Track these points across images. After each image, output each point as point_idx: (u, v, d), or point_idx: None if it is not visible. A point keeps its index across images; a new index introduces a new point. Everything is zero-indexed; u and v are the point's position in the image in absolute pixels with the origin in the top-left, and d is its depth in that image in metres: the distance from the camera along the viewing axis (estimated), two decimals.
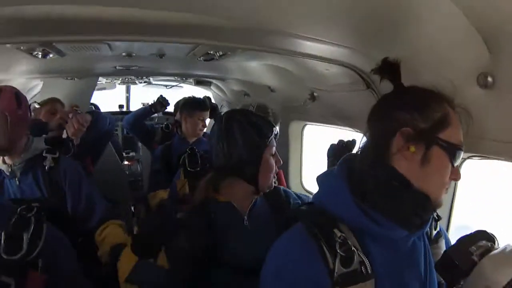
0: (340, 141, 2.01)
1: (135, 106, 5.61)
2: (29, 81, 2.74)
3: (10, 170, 1.84)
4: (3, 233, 1.12)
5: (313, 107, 2.26)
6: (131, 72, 2.84)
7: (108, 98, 5.51)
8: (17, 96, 1.75)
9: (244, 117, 1.55)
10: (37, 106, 2.55)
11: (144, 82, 4.59)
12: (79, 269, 1.36)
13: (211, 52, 1.78)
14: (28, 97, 2.92)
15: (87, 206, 1.95)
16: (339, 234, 0.94)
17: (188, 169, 2.16)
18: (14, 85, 2.43)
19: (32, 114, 2.44)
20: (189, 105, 2.97)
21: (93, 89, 3.36)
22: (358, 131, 1.94)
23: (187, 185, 2.08)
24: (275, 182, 2.18)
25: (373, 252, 0.95)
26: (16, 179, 1.87)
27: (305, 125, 2.81)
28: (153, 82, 4.71)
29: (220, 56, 1.78)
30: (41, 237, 1.17)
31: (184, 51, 1.89)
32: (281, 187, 1.80)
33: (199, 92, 4.79)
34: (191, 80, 3.70)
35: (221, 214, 1.52)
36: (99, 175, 2.77)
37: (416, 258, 1.03)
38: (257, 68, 2.56)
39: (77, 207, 1.93)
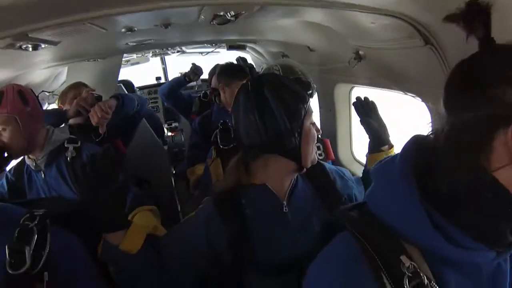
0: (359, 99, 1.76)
1: (173, 77, 5.52)
2: (55, 68, 2.65)
3: (34, 164, 1.86)
4: (7, 247, 1.05)
5: (360, 67, 1.92)
6: (147, 46, 2.66)
7: (145, 72, 5.46)
8: (21, 94, 1.70)
9: (277, 81, 1.29)
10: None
11: (177, 52, 4.41)
12: (96, 271, 1.26)
13: (221, 14, 1.50)
14: (57, 83, 2.90)
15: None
16: (408, 263, 0.69)
17: (220, 146, 1.96)
18: (38, 75, 2.41)
19: (57, 103, 2.42)
20: (225, 73, 2.71)
21: (119, 68, 3.30)
22: (415, 96, 1.59)
23: (220, 165, 1.90)
24: (320, 155, 1.91)
25: (450, 281, 0.71)
26: (42, 172, 1.88)
27: (353, 87, 2.45)
28: (187, 51, 4.50)
29: (234, 16, 1.49)
30: (45, 248, 1.09)
31: (191, 18, 1.64)
32: (325, 163, 1.53)
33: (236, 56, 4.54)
34: (223, 45, 3.43)
35: (254, 200, 1.29)
36: (135, 155, 2.71)
37: (501, 285, 0.76)
38: (293, 27, 2.23)
39: None
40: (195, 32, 2.47)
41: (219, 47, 3.65)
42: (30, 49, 1.57)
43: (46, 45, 1.64)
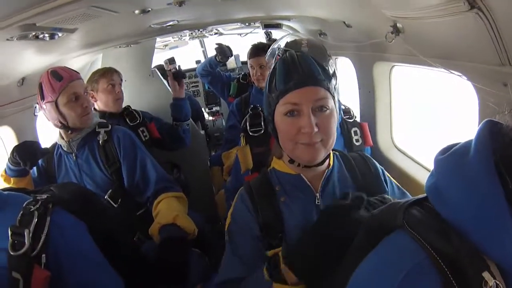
0: None
1: None
2: (90, 56, 2.68)
3: (67, 145, 1.94)
4: (9, 229, 1.11)
5: (399, 43, 1.68)
6: (174, 28, 2.58)
7: (185, 55, 5.45)
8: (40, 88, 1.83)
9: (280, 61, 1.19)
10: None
11: (214, 34, 4.30)
12: (99, 256, 1.29)
13: None
14: (95, 68, 2.96)
15: (142, 174, 1.95)
16: (492, 282, 0.56)
17: (250, 133, 1.85)
18: (74, 62, 2.46)
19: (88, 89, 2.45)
20: (248, 53, 2.77)
21: (152, 52, 3.29)
22: (461, 75, 1.34)
23: (249, 153, 1.79)
24: (357, 140, 1.77)
25: None
26: (73, 154, 1.95)
27: (393, 66, 2.20)
28: (225, 32, 4.38)
29: None
30: (43, 231, 1.13)
31: None
32: (363, 154, 1.38)
33: (276, 36, 4.35)
34: (258, 24, 3.26)
35: (288, 189, 1.23)
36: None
37: None
38: (328, 1, 2.03)
39: (133, 176, 1.95)
40: (222, 11, 2.34)
41: (254, 26, 3.49)
42: (47, 38, 1.58)
43: (64, 33, 1.62)
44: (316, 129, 1.08)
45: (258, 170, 1.60)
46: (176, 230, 1.72)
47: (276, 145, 1.26)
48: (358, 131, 1.92)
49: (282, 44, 1.79)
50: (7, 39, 1.41)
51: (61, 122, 1.85)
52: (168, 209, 1.81)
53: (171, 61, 2.58)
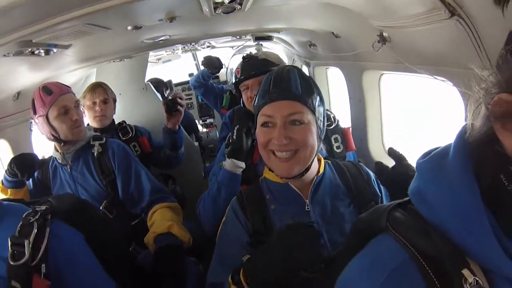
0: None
1: None
2: (84, 70, 2.71)
3: (62, 157, 1.95)
4: (9, 239, 1.13)
5: (386, 51, 1.73)
6: (166, 43, 2.61)
7: (178, 69, 5.50)
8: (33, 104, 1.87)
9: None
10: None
11: (207, 47, 4.36)
12: (97, 267, 1.31)
13: (221, 1, 1.40)
14: (89, 82, 2.98)
15: (136, 185, 1.97)
16: (471, 279, 0.57)
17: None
18: (68, 78, 2.49)
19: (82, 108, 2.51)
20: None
21: (145, 66, 3.32)
22: (446, 80, 1.39)
23: None
24: (338, 147, 1.81)
25: None
26: (68, 166, 1.97)
27: (382, 75, 2.24)
28: (217, 46, 4.44)
29: (238, 3, 1.38)
30: (43, 242, 1.15)
31: (193, 9, 1.58)
32: (355, 162, 1.43)
33: (268, 46, 4.41)
34: (249, 37, 3.32)
35: (278, 197, 1.29)
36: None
37: None
38: (316, 12, 2.08)
39: (127, 187, 1.97)
40: (213, 25, 2.38)
41: (245, 39, 3.54)
42: (43, 54, 1.62)
43: (59, 49, 1.65)
44: (285, 141, 1.14)
45: (246, 183, 1.67)
46: (171, 239, 1.73)
47: None
48: (339, 138, 1.92)
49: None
50: (4, 55, 1.43)
51: (53, 135, 1.87)
52: (163, 219, 1.83)
53: (166, 85, 2.61)
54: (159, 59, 4.60)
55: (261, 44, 3.69)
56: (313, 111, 1.18)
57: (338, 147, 1.80)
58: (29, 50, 1.47)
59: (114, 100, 2.65)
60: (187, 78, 5.25)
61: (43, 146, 2.42)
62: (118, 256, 1.47)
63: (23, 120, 2.32)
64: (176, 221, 1.84)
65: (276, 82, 1.19)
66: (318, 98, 1.21)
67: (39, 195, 1.95)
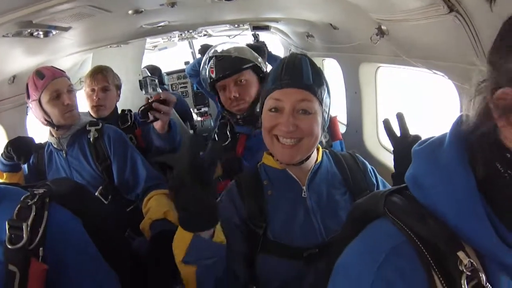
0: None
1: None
2: (80, 55, 2.68)
3: (57, 142, 1.92)
4: (6, 223, 1.10)
5: (384, 44, 1.76)
6: (165, 29, 2.60)
7: (174, 57, 5.46)
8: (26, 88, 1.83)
9: None
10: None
11: (203, 35, 4.33)
12: (96, 251, 1.28)
13: None
14: (83, 70, 2.96)
15: (132, 171, 1.95)
16: (466, 260, 0.59)
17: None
18: (64, 62, 2.44)
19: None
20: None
21: (142, 52, 3.30)
22: (443, 74, 1.42)
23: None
24: (324, 136, 1.83)
25: None
26: (63, 151, 1.94)
27: (379, 67, 2.27)
28: (213, 34, 4.42)
29: None
30: (41, 225, 1.13)
31: None
32: (352, 153, 1.45)
33: (266, 37, 4.41)
34: (247, 26, 3.31)
35: (275, 183, 1.29)
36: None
37: None
38: (315, 2, 2.09)
39: (123, 173, 1.94)
40: (212, 13, 2.38)
41: (243, 28, 3.53)
42: (42, 35, 1.60)
43: (58, 31, 1.64)
44: (292, 129, 1.14)
45: (229, 177, 1.68)
46: (167, 225, 1.73)
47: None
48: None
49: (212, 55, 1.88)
50: (3, 36, 1.42)
51: (46, 120, 1.85)
52: (159, 205, 1.82)
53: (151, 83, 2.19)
54: (155, 46, 4.56)
55: (258, 34, 3.67)
56: (321, 102, 1.20)
57: (324, 136, 1.83)
58: (28, 31, 1.46)
59: (118, 87, 2.49)
60: (183, 66, 5.23)
61: (39, 131, 2.38)
62: (114, 242, 1.46)
63: (18, 104, 2.30)
64: (172, 208, 1.80)
65: (288, 69, 1.20)
66: (326, 90, 1.22)
67: (34, 180, 1.94)
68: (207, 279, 1.10)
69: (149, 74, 3.31)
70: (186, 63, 5.19)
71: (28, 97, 1.84)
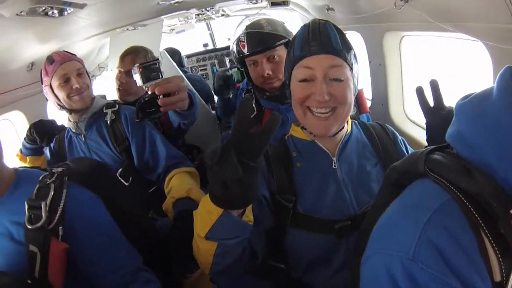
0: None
1: (221, 43, 5.44)
2: (97, 40, 2.68)
3: (75, 126, 1.95)
4: (25, 203, 1.12)
5: (408, 10, 1.67)
6: (181, 6, 2.56)
7: (193, 39, 5.45)
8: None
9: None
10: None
11: (221, 15, 4.27)
12: (116, 229, 1.30)
13: None
14: (101, 57, 2.95)
15: (151, 151, 1.93)
16: None
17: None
18: (82, 47, 2.45)
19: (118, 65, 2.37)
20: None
21: (160, 35, 3.27)
22: (474, 37, 1.33)
23: None
24: (353, 109, 1.79)
25: None
26: (82, 135, 1.97)
27: (403, 37, 2.17)
28: (231, 14, 4.34)
29: None
30: (60, 204, 1.15)
31: None
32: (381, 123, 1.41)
33: (282, 16, 4.31)
34: (264, 3, 3.22)
35: (304, 154, 1.26)
36: None
37: None
38: None
39: (142, 154, 1.94)
40: None
41: (260, 6, 3.44)
42: (57, 14, 1.58)
43: (73, 9, 1.63)
44: (327, 98, 1.10)
45: None
46: (190, 203, 1.70)
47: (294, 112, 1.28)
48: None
49: (242, 28, 1.82)
50: (17, 14, 1.41)
51: (59, 104, 1.88)
52: (181, 183, 1.80)
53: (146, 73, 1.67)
54: (172, 29, 4.53)
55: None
56: (351, 67, 1.15)
57: (352, 109, 1.78)
58: (43, 9, 1.44)
59: None
60: (202, 49, 5.21)
61: (59, 117, 2.41)
62: (135, 221, 1.47)
63: (38, 91, 2.31)
64: (195, 186, 1.81)
65: (316, 35, 1.14)
66: (354, 55, 1.18)
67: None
68: (225, 258, 1.05)
69: (168, 56, 3.30)
70: (205, 45, 5.17)
71: (42, 82, 1.88)
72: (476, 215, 0.58)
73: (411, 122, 2.36)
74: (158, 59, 1.62)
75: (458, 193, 0.60)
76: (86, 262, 1.20)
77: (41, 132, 1.86)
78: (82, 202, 1.23)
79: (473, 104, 0.65)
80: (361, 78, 1.25)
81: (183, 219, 1.62)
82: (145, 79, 1.56)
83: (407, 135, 2.23)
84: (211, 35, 5.47)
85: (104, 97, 2.40)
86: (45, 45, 2.10)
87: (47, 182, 1.17)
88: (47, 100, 2.19)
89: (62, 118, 2.09)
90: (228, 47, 4.78)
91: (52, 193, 1.14)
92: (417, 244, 0.59)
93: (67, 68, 1.83)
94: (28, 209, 1.12)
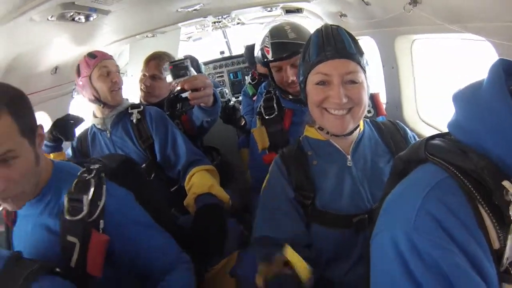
0: None
1: (236, 50, 5.53)
2: (117, 46, 2.80)
3: (102, 122, 2.04)
4: (65, 195, 1.18)
5: (418, 13, 1.71)
6: (200, 13, 2.66)
7: (209, 47, 5.57)
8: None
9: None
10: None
11: (236, 23, 4.38)
12: (151, 221, 1.37)
13: None
14: (120, 63, 3.07)
15: (173, 147, 2.01)
16: None
17: (265, 116, 1.88)
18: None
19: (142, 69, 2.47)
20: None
21: (178, 42, 3.38)
22: (481, 36, 1.37)
23: (265, 133, 1.84)
24: (368, 111, 1.81)
25: None
26: (107, 132, 2.05)
27: (414, 40, 2.21)
28: (246, 22, 4.44)
29: None
30: (101, 198, 1.20)
31: None
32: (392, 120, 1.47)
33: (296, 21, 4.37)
34: (279, 11, 3.30)
35: (320, 153, 1.32)
36: None
37: None
38: None
39: (164, 150, 2.01)
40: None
41: (275, 15, 3.52)
42: (83, 19, 1.69)
43: (97, 15, 1.73)
44: (345, 100, 1.16)
45: (275, 150, 1.71)
46: (211, 198, 1.76)
47: (309, 113, 1.34)
48: (370, 102, 1.91)
49: (267, 33, 1.87)
50: (48, 19, 1.51)
51: (94, 96, 1.97)
52: (202, 180, 1.86)
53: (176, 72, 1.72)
54: (189, 37, 4.67)
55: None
56: (364, 70, 1.21)
57: (369, 111, 1.80)
58: (71, 14, 1.54)
59: None
60: (219, 56, 5.33)
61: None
62: (162, 216, 1.51)
63: (61, 94, 2.48)
64: (215, 182, 1.88)
65: (330, 40, 1.20)
66: (365, 58, 1.23)
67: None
68: None
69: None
70: (221, 52, 5.27)
71: (79, 75, 1.99)
72: (473, 190, 0.63)
73: (424, 123, 2.39)
74: (186, 58, 1.70)
75: (454, 170, 0.66)
76: (129, 254, 1.25)
77: (62, 128, 1.97)
78: (120, 198, 1.29)
79: (466, 91, 0.70)
80: (375, 81, 1.29)
81: (205, 214, 1.70)
82: (175, 76, 1.65)
83: (421, 136, 2.25)
84: (227, 43, 5.60)
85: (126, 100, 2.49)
86: (69, 50, 2.22)
87: (87, 178, 1.22)
88: (73, 97, 2.30)
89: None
90: (242, 55, 4.86)
91: (93, 188, 1.19)
92: (416, 215, 0.65)
93: (109, 64, 1.98)
94: (68, 201, 1.17)
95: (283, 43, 1.81)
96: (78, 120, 2.05)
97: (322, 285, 1.21)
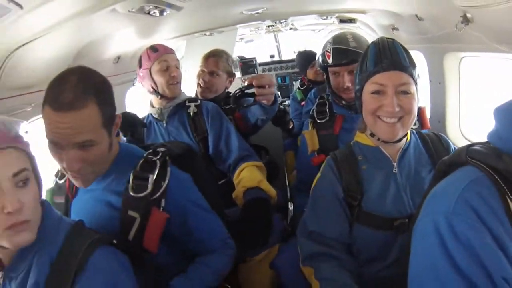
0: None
1: (286, 55, 5.65)
2: (174, 42, 2.94)
3: (159, 112, 2.12)
4: (131, 174, 1.27)
5: (469, 32, 1.77)
6: (260, 17, 2.78)
7: (261, 48, 5.70)
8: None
9: None
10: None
11: (289, 29, 4.50)
12: (207, 204, 1.46)
13: None
14: (177, 55, 3.26)
15: (226, 141, 2.08)
16: None
17: (317, 120, 2.01)
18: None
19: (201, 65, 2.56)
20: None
21: (234, 42, 3.46)
22: None
23: (316, 136, 1.97)
24: (414, 124, 1.90)
25: None
26: (164, 122, 2.13)
27: (462, 58, 2.25)
28: (299, 28, 4.56)
29: None
30: (165, 179, 1.29)
31: None
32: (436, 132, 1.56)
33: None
34: (333, 20, 3.40)
35: (369, 159, 1.42)
36: None
37: None
38: None
39: (217, 143, 2.08)
40: (305, 2, 2.52)
41: (328, 23, 3.60)
42: (157, 14, 1.80)
43: (170, 11, 1.86)
44: (397, 109, 1.26)
45: (323, 153, 1.81)
46: (260, 192, 1.85)
47: (361, 120, 1.45)
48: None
49: (330, 40, 1.99)
50: (129, 11, 1.62)
51: (153, 88, 2.07)
52: (251, 174, 1.95)
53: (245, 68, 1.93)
54: (242, 38, 4.83)
55: None
56: (416, 82, 1.31)
57: (414, 124, 1.88)
58: (149, 7, 1.64)
59: (230, 73, 2.54)
60: (268, 59, 5.46)
61: (134, 107, 2.66)
62: (214, 203, 1.57)
63: (121, 82, 2.63)
64: (264, 178, 1.96)
65: (386, 52, 1.30)
66: (417, 71, 1.33)
67: None
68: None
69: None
70: (271, 56, 5.40)
71: (140, 66, 2.09)
72: (503, 186, 0.75)
73: (465, 140, 2.42)
74: (253, 58, 1.87)
75: (489, 169, 0.78)
76: (183, 232, 1.36)
77: (125, 125, 2.06)
78: (182, 180, 1.39)
79: (506, 107, 0.82)
80: (421, 96, 1.39)
81: (254, 206, 1.80)
82: (244, 72, 1.82)
83: None
84: (278, 47, 5.73)
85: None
86: (131, 42, 2.37)
87: (153, 159, 1.31)
88: (134, 84, 2.43)
89: (137, 107, 2.34)
90: (292, 60, 4.95)
91: (158, 169, 1.29)
92: (456, 202, 0.78)
93: (169, 58, 2.05)
94: (133, 179, 1.26)
95: (344, 50, 1.93)
96: (142, 124, 2.16)
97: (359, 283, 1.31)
